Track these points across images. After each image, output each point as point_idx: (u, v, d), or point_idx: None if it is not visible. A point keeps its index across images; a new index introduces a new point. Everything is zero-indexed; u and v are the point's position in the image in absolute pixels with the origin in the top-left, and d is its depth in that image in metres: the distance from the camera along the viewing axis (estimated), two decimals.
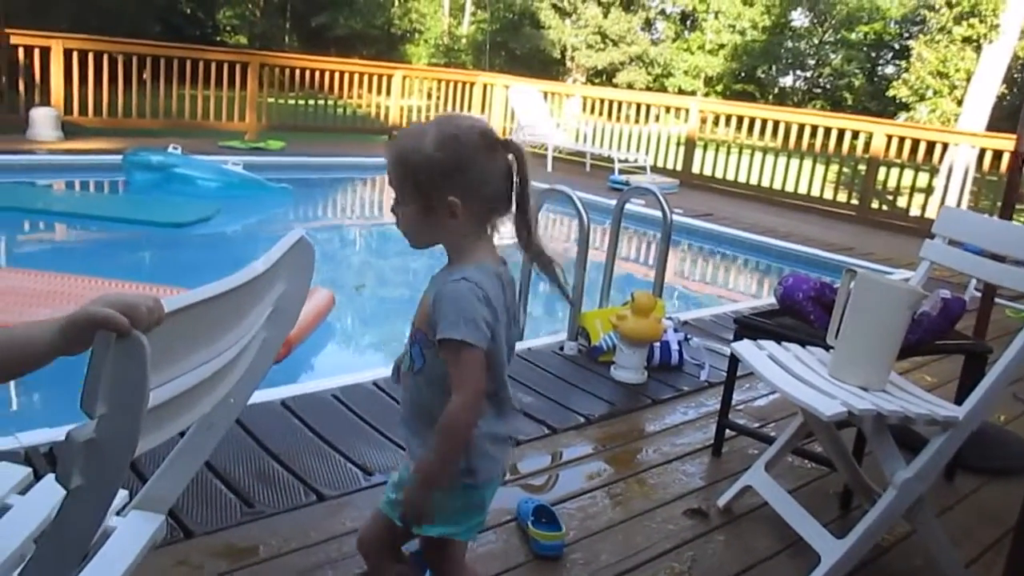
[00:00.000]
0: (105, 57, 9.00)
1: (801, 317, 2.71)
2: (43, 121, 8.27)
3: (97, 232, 6.20)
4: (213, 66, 9.70)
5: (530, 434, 2.90)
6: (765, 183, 9.43)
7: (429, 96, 11.80)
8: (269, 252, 1.14)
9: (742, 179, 9.60)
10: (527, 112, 10.40)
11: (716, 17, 29.16)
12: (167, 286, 3.94)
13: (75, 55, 8.77)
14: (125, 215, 6.14)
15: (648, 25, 29.76)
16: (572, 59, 28.01)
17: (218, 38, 24.79)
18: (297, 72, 10.61)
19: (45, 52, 8.68)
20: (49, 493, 1.34)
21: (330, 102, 11.25)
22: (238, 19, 26.70)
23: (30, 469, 1.41)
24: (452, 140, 1.38)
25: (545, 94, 11.27)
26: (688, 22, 30.94)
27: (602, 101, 11.25)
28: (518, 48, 27.49)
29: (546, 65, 27.06)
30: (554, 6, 27.62)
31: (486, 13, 29.56)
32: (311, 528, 2.24)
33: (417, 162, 1.39)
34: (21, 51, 8.62)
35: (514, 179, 1.41)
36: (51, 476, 1.41)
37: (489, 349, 1.40)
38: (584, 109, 11.29)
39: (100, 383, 0.80)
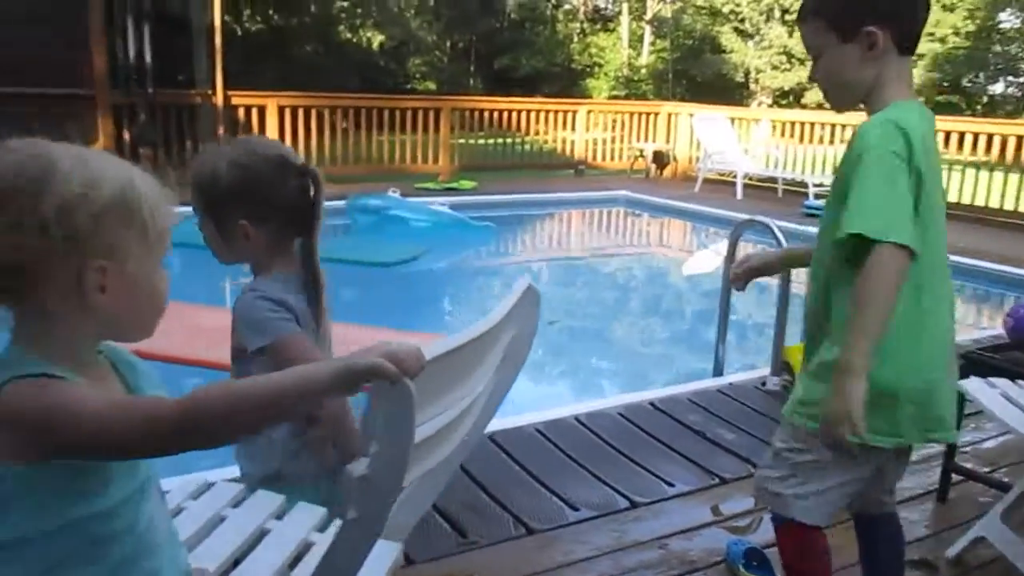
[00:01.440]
0: (313, 111, 9.78)
1: None
2: None
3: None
4: (409, 113, 10.29)
5: (735, 473, 2.83)
6: (978, 201, 8.75)
7: (612, 128, 11.89)
8: (503, 301, 1.21)
9: (951, 198, 8.94)
10: (714, 140, 10.25)
11: None
12: (386, 328, 4.21)
13: (287, 111, 9.60)
14: (343, 256, 6.60)
15: None
16: (756, 81, 27.30)
17: (409, 85, 26.23)
18: (486, 114, 11.04)
19: (261, 109, 9.55)
20: (301, 521, 1.47)
21: (516, 140, 11.61)
22: (427, 66, 28.13)
23: (244, 486, 1.56)
24: (240, 167, 1.46)
25: (731, 120, 11.06)
26: None
27: (792, 124, 10.89)
28: (699, 74, 27.15)
29: (729, 89, 26.53)
30: (736, 29, 27.10)
31: (666, 42, 29.47)
32: (522, 561, 2.30)
33: (207, 186, 1.48)
34: (242, 110, 9.54)
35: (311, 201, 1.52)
36: (302, 505, 1.55)
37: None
38: (773, 132, 10.96)
39: (375, 425, 0.88)
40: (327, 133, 9.90)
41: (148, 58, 8.62)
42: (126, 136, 8.82)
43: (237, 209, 1.50)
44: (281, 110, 9.58)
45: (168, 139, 9.06)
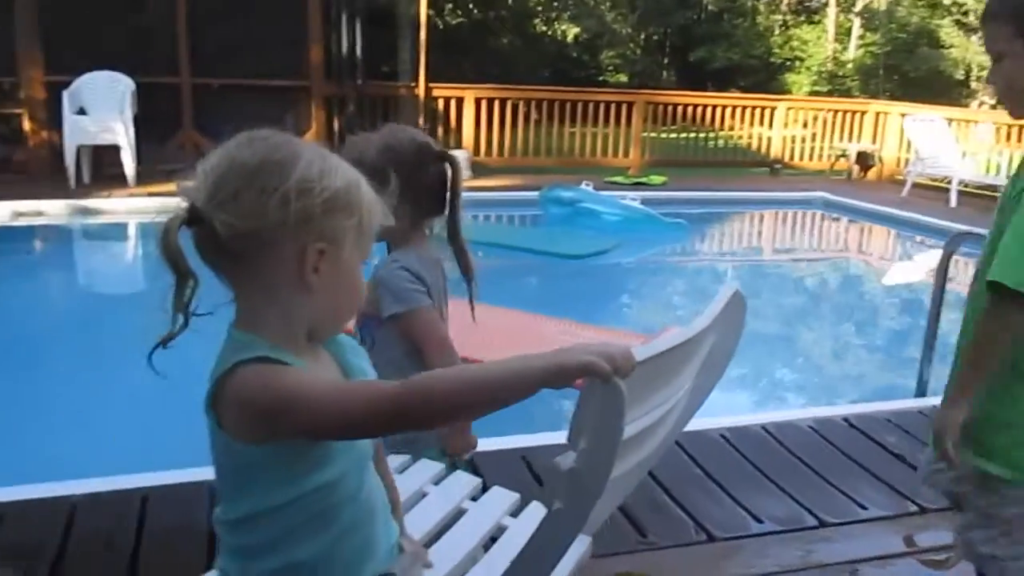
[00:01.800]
0: (509, 103, 10.02)
1: None
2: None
3: (505, 261, 6.88)
4: (602, 106, 10.31)
5: (935, 503, 2.63)
6: None
7: (813, 125, 11.33)
8: (709, 307, 1.20)
9: None
10: (928, 142, 9.53)
11: None
12: (569, 320, 4.26)
13: (484, 103, 9.89)
14: (532, 245, 6.73)
15: None
16: (978, 79, 25.11)
17: (601, 78, 26.24)
18: (680, 108, 10.86)
19: (460, 101, 9.90)
20: (496, 504, 1.53)
21: (709, 135, 11.34)
22: (619, 59, 27.99)
23: (480, 479, 1.62)
24: (386, 150, 1.57)
25: (948, 121, 10.24)
26: None
27: (1019, 128, 9.93)
28: (912, 70, 25.32)
29: (946, 88, 24.58)
30: (957, 22, 25.04)
31: (876, 35, 27.69)
32: (701, 568, 2.27)
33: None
34: (441, 102, 9.93)
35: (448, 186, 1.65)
36: (496, 488, 1.61)
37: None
38: (996, 137, 10.05)
39: (585, 421, 0.90)
40: (520, 124, 10.11)
41: (359, 52, 9.13)
42: (335, 125, 9.40)
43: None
44: (478, 102, 9.88)
45: (374, 128, 9.56)
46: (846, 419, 3.23)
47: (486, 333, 4.04)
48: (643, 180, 9.56)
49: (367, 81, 9.36)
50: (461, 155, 9.40)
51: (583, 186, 7.89)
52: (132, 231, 7.53)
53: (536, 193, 8.09)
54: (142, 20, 8.84)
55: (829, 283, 7.46)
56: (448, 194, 1.68)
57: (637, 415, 1.02)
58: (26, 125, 8.56)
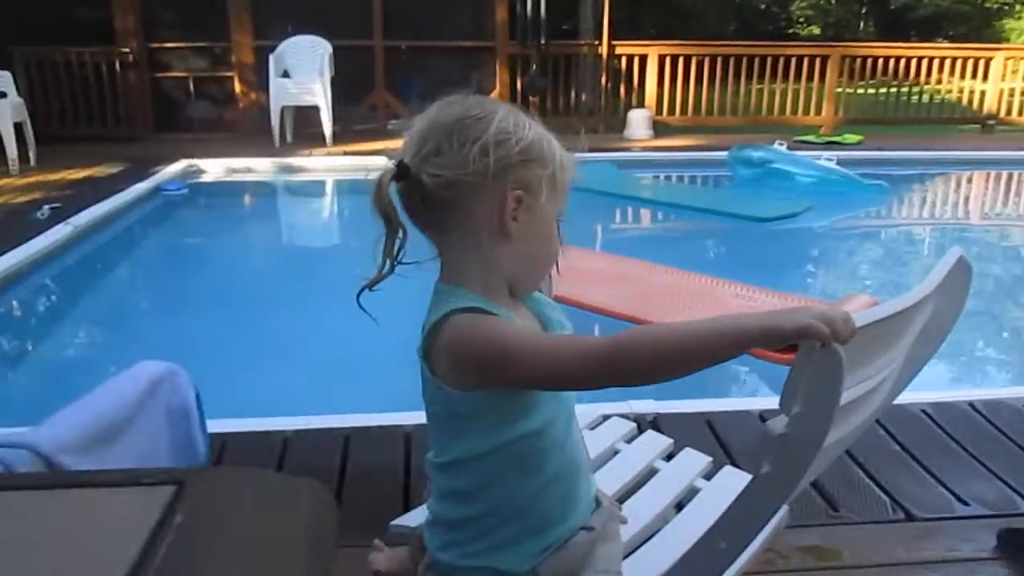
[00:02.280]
0: (693, 60, 9.71)
1: None
2: (638, 122, 9.27)
3: (685, 222, 6.75)
4: (793, 61, 9.78)
5: None
6: None
7: None
8: (930, 274, 1.12)
9: None
10: None
11: None
12: (751, 286, 4.12)
13: (667, 60, 9.64)
14: (718, 207, 6.51)
15: None
16: None
17: (791, 30, 24.89)
18: (880, 61, 10.12)
19: (643, 59, 9.70)
20: (689, 466, 1.52)
21: (910, 90, 10.48)
22: (812, 9, 26.40)
23: (672, 440, 1.61)
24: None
25: None
26: None
27: None
28: None
29: None
30: None
31: None
32: (897, 547, 2.15)
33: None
34: (624, 60, 9.77)
35: None
36: (689, 450, 1.59)
37: None
38: None
39: (799, 385, 0.87)
40: (705, 82, 9.78)
41: (543, 12, 9.13)
42: (518, 85, 9.49)
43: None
44: (661, 59, 9.65)
45: (556, 88, 9.60)
46: None
47: (658, 294, 4.01)
48: (836, 139, 9.02)
49: (550, 41, 9.36)
50: (643, 114, 9.27)
51: (776, 145, 7.52)
52: (329, 188, 7.99)
53: (722, 153, 7.82)
54: None
55: None
56: None
57: (853, 382, 0.98)
58: (236, 87, 9.26)
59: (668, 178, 8.22)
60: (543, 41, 9.22)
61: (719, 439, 2.62)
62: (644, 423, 2.64)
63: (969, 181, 8.73)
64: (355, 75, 9.19)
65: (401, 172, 1.05)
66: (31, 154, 7.51)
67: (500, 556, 1.10)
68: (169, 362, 1.28)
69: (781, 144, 7.54)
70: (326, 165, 7.91)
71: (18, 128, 7.30)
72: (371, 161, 7.97)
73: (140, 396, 1.18)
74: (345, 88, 8.93)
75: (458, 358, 1.03)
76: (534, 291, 1.16)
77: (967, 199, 8.64)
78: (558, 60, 9.58)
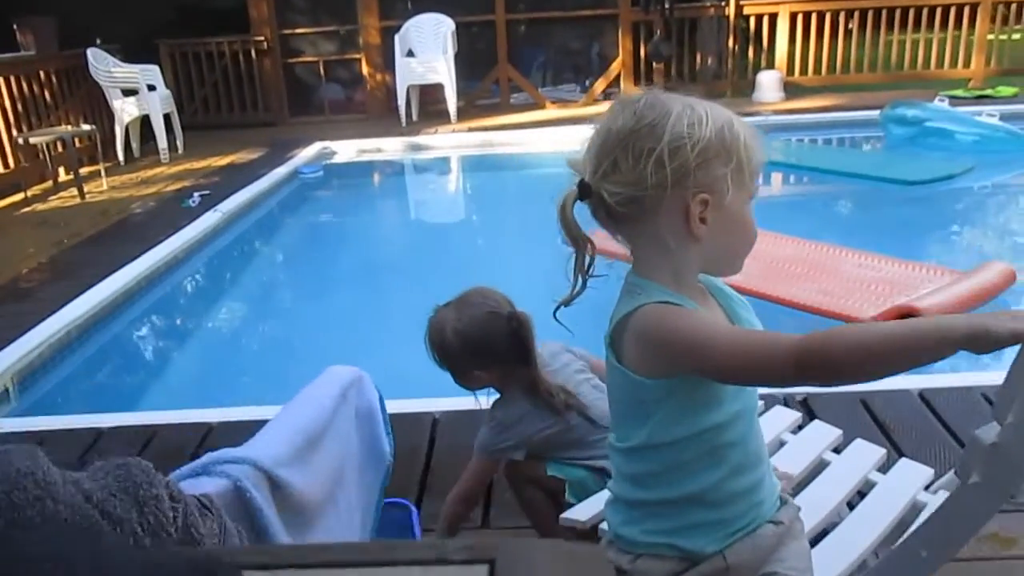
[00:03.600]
0: (828, 15, 9.21)
1: None
2: (768, 84, 8.90)
3: (830, 187, 6.44)
4: (938, 10, 9.13)
5: None
6: None
7: None
8: None
9: None
10: None
11: None
12: (878, 255, 3.89)
13: (800, 17, 9.19)
14: (868, 171, 6.14)
15: None
16: None
17: None
18: None
19: (773, 17, 9.28)
20: (862, 458, 1.45)
21: None
22: None
23: (840, 432, 1.55)
24: (460, 334, 1.75)
25: None
26: None
27: None
28: None
29: None
30: None
31: None
32: None
33: (440, 353, 1.81)
34: (752, 20, 9.38)
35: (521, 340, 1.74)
36: (860, 442, 1.52)
37: None
38: None
39: (1016, 393, 0.81)
40: (841, 37, 9.28)
41: None
42: (641, 52, 9.29)
43: (467, 364, 1.77)
44: (793, 16, 9.21)
45: (680, 53, 9.34)
46: None
47: (772, 265, 3.84)
48: (988, 92, 8.36)
49: (676, 5, 9.09)
50: (773, 76, 8.90)
51: (937, 102, 6.99)
52: (455, 164, 8.09)
53: (868, 113, 7.43)
54: None
55: None
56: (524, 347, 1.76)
57: None
58: (364, 69, 9.47)
59: (814, 141, 7.84)
60: (667, 5, 8.97)
61: (876, 419, 2.51)
62: (793, 402, 2.55)
63: None
64: (478, 51, 9.24)
65: (583, 192, 1.07)
66: (179, 143, 7.95)
67: (684, 537, 1.12)
68: (354, 367, 1.35)
69: (942, 100, 7.02)
70: (452, 142, 8.01)
71: (167, 119, 7.74)
72: (495, 136, 8.03)
73: (335, 402, 1.25)
74: (468, 64, 8.99)
75: (650, 347, 1.05)
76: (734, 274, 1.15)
77: None
78: (682, 24, 9.30)
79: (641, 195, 1.04)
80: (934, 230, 5.45)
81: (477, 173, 7.97)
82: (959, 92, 8.46)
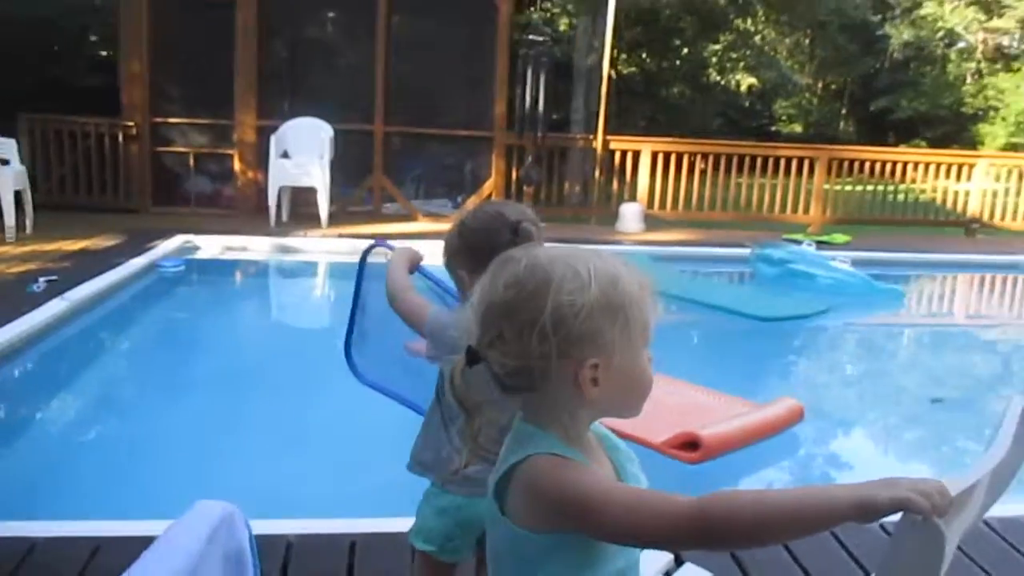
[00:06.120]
0: (685, 156, 9.93)
1: None
2: (631, 215, 9.40)
3: (690, 317, 6.71)
4: (782, 160, 10.02)
5: None
6: None
7: (1019, 180, 10.46)
8: (1002, 428, 1.12)
9: None
10: None
11: None
12: (686, 383, 4.07)
13: (660, 156, 9.85)
14: (727, 304, 6.45)
15: None
16: None
17: (773, 128, 25.64)
18: (867, 164, 10.40)
19: (636, 154, 9.90)
20: None
21: (896, 188, 10.71)
22: (794, 108, 27.29)
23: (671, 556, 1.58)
24: (465, 229, 1.74)
25: None
26: None
27: None
28: None
29: None
30: None
31: None
32: None
33: (446, 249, 1.79)
34: (617, 154, 9.96)
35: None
36: None
37: None
38: None
39: (900, 562, 0.86)
40: (696, 176, 9.98)
41: (541, 106, 9.35)
42: (514, 175, 9.65)
43: (457, 261, 1.74)
44: (654, 154, 9.86)
45: (550, 179, 9.77)
46: None
47: None
48: (825, 239, 9.15)
49: (546, 133, 9.55)
50: (635, 207, 9.41)
51: (804, 246, 7.65)
52: (324, 269, 7.99)
53: (728, 250, 8.07)
54: (344, 71, 9.47)
55: None
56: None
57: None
58: (236, 165, 9.33)
59: (695, 273, 8.25)
60: (539, 134, 9.41)
61: (739, 563, 2.57)
62: None
63: (960, 284, 8.87)
64: (354, 158, 9.31)
65: (471, 359, 1.05)
66: (28, 223, 7.49)
67: None
68: (225, 502, 1.25)
69: (810, 244, 7.66)
70: (322, 247, 7.94)
71: (17, 195, 7.29)
72: (366, 245, 8.02)
73: (202, 545, 1.15)
74: (343, 170, 9.03)
75: (537, 500, 1.01)
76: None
77: (958, 301, 8.76)
78: (553, 152, 9.77)
79: (528, 367, 1.01)
80: (761, 364, 5.76)
81: (346, 281, 7.88)
82: (799, 236, 9.20)
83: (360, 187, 9.51)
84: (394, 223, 8.92)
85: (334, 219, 8.61)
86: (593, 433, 1.13)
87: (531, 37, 9.62)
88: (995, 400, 5.33)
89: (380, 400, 2.19)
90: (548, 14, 17.93)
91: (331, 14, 9.90)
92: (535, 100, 9.35)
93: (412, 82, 9.40)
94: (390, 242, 2.12)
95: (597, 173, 9.82)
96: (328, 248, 7.90)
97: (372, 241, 2.20)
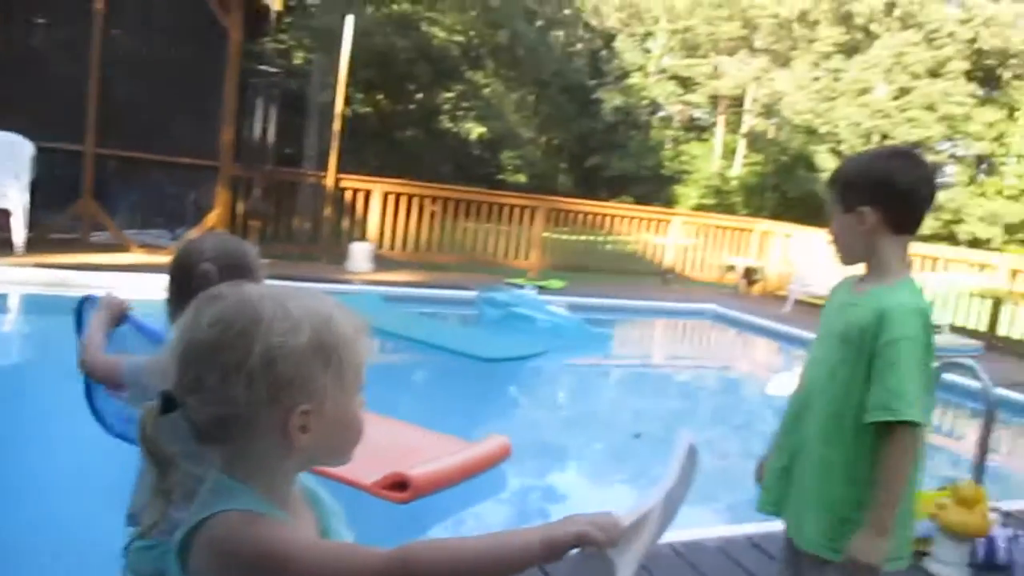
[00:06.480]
0: (415, 199, 10.14)
1: None
2: (360, 254, 9.39)
3: (415, 357, 6.81)
4: (505, 208, 10.57)
5: None
6: None
7: (705, 237, 11.86)
8: (670, 463, 1.25)
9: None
10: (808, 263, 10.18)
11: (1018, 161, 27.07)
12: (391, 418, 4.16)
13: (391, 197, 9.98)
14: (451, 345, 6.56)
15: (937, 169, 28.23)
16: None
17: (500, 176, 26.95)
18: (580, 216, 11.26)
19: (367, 194, 9.95)
20: None
21: (606, 239, 11.72)
22: (519, 159, 28.91)
23: None
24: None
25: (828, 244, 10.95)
26: (984, 166, 28.98)
27: None
28: (792, 191, 27.16)
29: (820, 208, 26.35)
30: (832, 149, 27.15)
31: (759, 156, 29.64)
32: None
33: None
34: (349, 193, 9.95)
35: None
36: None
37: None
38: None
39: None
40: (425, 219, 10.21)
41: (270, 138, 9.12)
42: (239, 208, 9.27)
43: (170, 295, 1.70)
44: (385, 195, 9.97)
45: (279, 214, 9.51)
46: (750, 538, 3.32)
47: None
48: (542, 284, 9.72)
49: (276, 167, 9.32)
50: (365, 247, 9.43)
51: (527, 290, 8.03)
52: (16, 302, 7.11)
53: (456, 292, 8.34)
54: (51, 84, 8.57)
55: (730, 393, 7.72)
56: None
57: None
58: None
59: (422, 314, 8.31)
60: (269, 167, 9.16)
61: None
62: None
63: (657, 328, 9.81)
64: (61, 180, 8.44)
65: (166, 405, 0.96)
66: None
67: None
68: None
69: (532, 289, 8.06)
70: (14, 277, 7.07)
71: None
72: (72, 276, 7.28)
73: None
74: (46, 193, 8.14)
75: (227, 560, 0.93)
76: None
77: (657, 343, 9.69)
78: (282, 186, 9.54)
79: (232, 414, 0.94)
80: (481, 403, 5.97)
81: (46, 315, 7.08)
82: (520, 280, 9.73)
83: (65, 213, 8.63)
84: (103, 253, 8.17)
85: (33, 245, 7.71)
86: (297, 486, 1.08)
87: (263, 68, 9.38)
88: None
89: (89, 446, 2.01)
90: (284, 45, 17.59)
91: (40, 20, 8.97)
92: (265, 132, 9.10)
93: (132, 102, 8.70)
94: (95, 294, 1.95)
95: (328, 211, 9.72)
96: (23, 279, 7.04)
97: (82, 296, 2.02)
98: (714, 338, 9.67)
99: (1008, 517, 3.64)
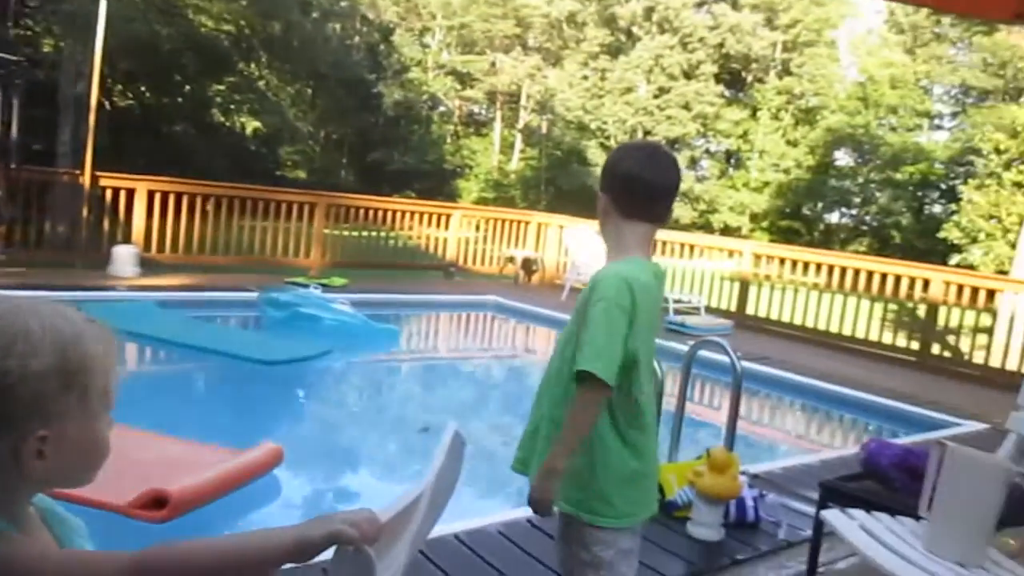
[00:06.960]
0: (185, 197, 9.55)
1: (886, 483, 2.74)
2: (124, 258, 8.71)
3: (184, 365, 6.46)
4: (284, 205, 10.22)
5: None
6: (819, 325, 9.44)
7: (485, 230, 12.12)
8: (436, 455, 1.27)
9: (796, 320, 9.64)
10: (582, 252, 10.71)
11: (760, 156, 29.98)
12: (220, 446, 3.94)
13: (157, 195, 9.32)
14: (227, 349, 6.24)
15: (693, 163, 30.66)
16: None
17: (279, 172, 26.08)
18: (361, 211, 11.11)
19: (130, 192, 9.23)
20: None
21: (386, 235, 11.63)
22: (298, 155, 28.12)
23: None
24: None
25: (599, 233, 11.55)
26: (732, 161, 31.82)
27: (663, 241, 11.44)
28: (566, 184, 28.41)
29: (591, 200, 27.84)
30: (601, 144, 28.70)
31: (535, 151, 30.75)
32: None
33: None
34: (109, 192, 9.18)
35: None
36: None
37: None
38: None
39: None
40: (197, 218, 9.65)
41: (14, 133, 8.23)
42: None
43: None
44: (151, 194, 9.30)
45: (28, 217, 8.61)
46: (530, 520, 3.43)
47: None
48: (325, 282, 9.51)
49: (23, 165, 8.43)
50: (129, 250, 8.77)
51: (311, 289, 7.74)
52: None
53: (236, 294, 7.99)
54: None
55: (512, 382, 7.94)
56: None
57: (383, 570, 1.05)
58: None
59: (204, 318, 7.80)
60: (13, 165, 8.26)
61: None
62: None
63: (440, 321, 9.92)
64: None
65: None
66: None
67: None
68: None
69: (316, 288, 7.77)
70: None
71: None
72: None
73: None
74: None
75: None
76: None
77: (440, 337, 9.79)
78: (31, 186, 8.64)
79: None
80: (260, 408, 5.73)
81: None
82: (301, 279, 9.44)
83: None
84: None
85: None
86: (35, 506, 1.02)
87: (4, 56, 8.43)
88: (471, 426, 6.04)
89: None
90: (28, 32, 15.93)
91: None
92: (7, 127, 8.20)
93: None
94: None
95: (86, 212, 8.92)
96: None
97: None
98: (496, 328, 9.92)
99: (755, 479, 4.03)
